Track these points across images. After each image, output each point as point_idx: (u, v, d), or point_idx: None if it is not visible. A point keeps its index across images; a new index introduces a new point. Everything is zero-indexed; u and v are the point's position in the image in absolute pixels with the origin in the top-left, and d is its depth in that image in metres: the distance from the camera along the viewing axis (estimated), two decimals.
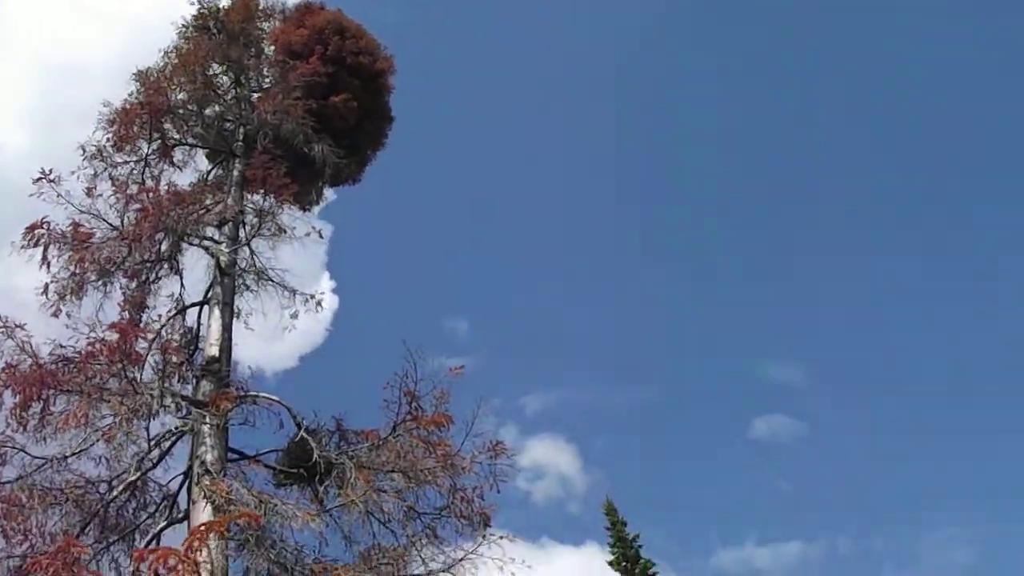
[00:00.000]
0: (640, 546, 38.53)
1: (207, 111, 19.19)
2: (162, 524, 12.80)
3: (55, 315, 14.35)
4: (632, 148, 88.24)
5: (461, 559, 12.32)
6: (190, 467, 12.47)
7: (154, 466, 12.92)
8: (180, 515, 12.78)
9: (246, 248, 16.66)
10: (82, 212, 15.22)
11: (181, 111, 18.52)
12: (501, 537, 12.34)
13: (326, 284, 36.99)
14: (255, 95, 20.15)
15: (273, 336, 17.43)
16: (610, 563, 38.25)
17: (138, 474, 12.61)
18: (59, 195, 15.16)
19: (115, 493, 12.62)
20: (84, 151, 17.12)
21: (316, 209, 21.28)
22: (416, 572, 12.30)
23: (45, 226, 14.54)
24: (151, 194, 15.53)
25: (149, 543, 12.33)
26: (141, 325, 14.13)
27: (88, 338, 12.58)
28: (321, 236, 17.42)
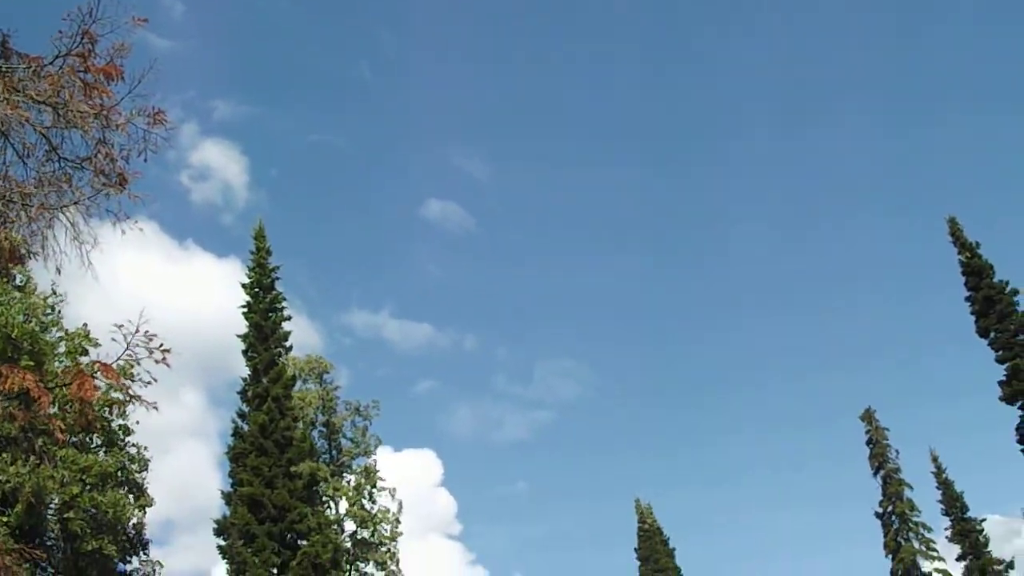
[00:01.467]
0: (278, 278, 38.25)
1: None
2: None
3: None
4: None
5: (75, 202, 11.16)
6: None
7: None
8: None
9: None
10: None
11: None
12: (140, 227, 11.37)
13: None
14: None
15: None
16: (244, 285, 37.82)
17: None
18: None
19: None
20: None
21: None
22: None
23: None
24: None
25: None
26: None
27: None
28: None
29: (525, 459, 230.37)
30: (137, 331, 11.48)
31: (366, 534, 45.29)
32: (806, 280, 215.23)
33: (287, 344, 37.38)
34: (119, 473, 33.64)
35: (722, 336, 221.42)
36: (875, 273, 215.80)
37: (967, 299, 51.66)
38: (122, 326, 11.53)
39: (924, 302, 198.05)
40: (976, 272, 51.50)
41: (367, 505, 45.49)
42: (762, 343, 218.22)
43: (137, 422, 35.67)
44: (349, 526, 45.08)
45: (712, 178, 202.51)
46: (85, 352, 29.72)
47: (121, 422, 35.03)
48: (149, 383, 12.34)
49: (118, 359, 11.56)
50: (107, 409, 33.75)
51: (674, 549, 69.10)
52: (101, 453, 33.53)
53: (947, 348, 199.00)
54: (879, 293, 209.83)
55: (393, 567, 45.03)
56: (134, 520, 33.14)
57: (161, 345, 11.46)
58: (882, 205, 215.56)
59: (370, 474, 45.97)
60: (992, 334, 50.34)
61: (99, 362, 12.03)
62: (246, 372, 35.99)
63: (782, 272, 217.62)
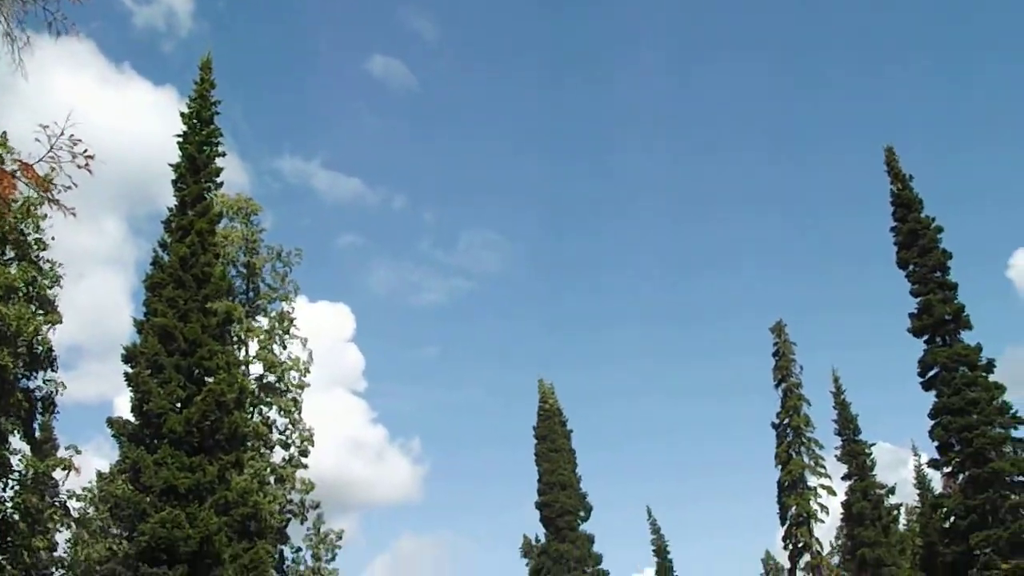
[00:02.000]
0: (218, 113, 37.42)
1: None
2: None
3: None
4: None
5: None
6: None
7: None
8: None
9: None
10: None
11: None
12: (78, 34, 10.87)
13: None
14: None
15: None
16: (183, 115, 36.98)
17: None
18: None
19: None
20: None
21: None
22: None
23: None
24: None
25: None
26: None
27: None
28: None
29: (439, 325, 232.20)
30: (62, 134, 11.12)
31: (273, 379, 45.47)
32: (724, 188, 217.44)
33: (218, 180, 36.67)
34: (29, 288, 33.15)
35: (642, 232, 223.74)
36: (819, 196, 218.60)
37: (892, 230, 52.54)
38: (47, 127, 11.15)
39: (858, 226, 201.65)
40: (905, 204, 52.26)
41: (277, 351, 45.58)
42: (672, 243, 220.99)
43: (53, 238, 35.02)
44: (257, 369, 45.22)
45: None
46: (1, 161, 28.86)
47: (37, 236, 34.38)
48: (69, 188, 11.97)
49: (40, 160, 11.21)
50: (23, 222, 33.10)
51: (571, 431, 70.69)
52: (12, 268, 32.94)
53: (868, 273, 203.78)
54: (822, 215, 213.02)
55: (296, 414, 45.41)
56: (40, 335, 32.80)
57: (85, 151, 11.12)
58: (826, 130, 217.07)
59: (284, 320, 45.94)
60: (911, 267, 51.39)
61: (20, 161, 11.66)
62: (173, 203, 35.33)
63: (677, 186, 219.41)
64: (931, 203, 51.98)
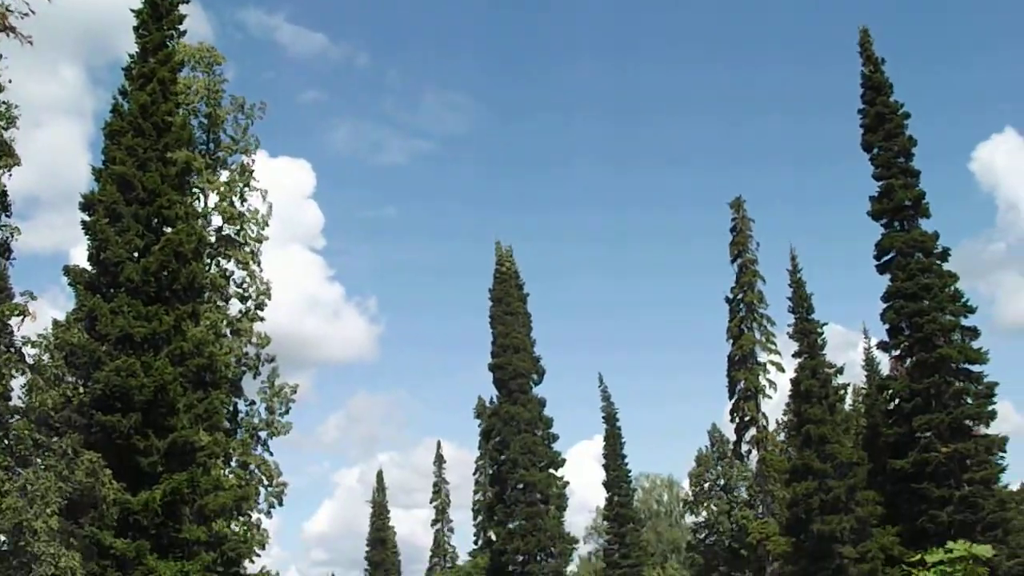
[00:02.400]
0: None
1: None
2: None
3: None
4: None
5: None
6: None
7: None
8: None
9: None
10: None
11: None
12: None
13: None
14: None
15: None
16: None
17: None
18: None
19: None
20: None
21: None
22: None
23: None
24: None
25: None
26: None
27: None
28: None
29: (400, 186, 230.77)
30: None
31: (232, 231, 44.90)
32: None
33: (181, 28, 35.37)
34: None
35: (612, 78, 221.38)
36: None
37: (860, 111, 52.30)
38: None
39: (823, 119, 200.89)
40: (875, 87, 51.89)
41: (237, 203, 44.87)
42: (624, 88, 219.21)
43: (10, 81, 33.72)
44: (216, 221, 44.58)
45: None
46: None
47: None
48: (27, 15, 11.27)
49: None
50: None
51: (527, 295, 70.96)
52: None
53: (836, 158, 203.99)
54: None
55: (255, 267, 45.05)
56: None
57: None
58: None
59: (244, 172, 45.10)
60: (875, 150, 51.38)
61: None
62: (134, 50, 34.08)
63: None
64: (900, 93, 51.55)
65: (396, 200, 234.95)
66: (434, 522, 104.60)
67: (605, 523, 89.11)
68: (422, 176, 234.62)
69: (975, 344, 47.25)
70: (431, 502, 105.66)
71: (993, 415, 46.50)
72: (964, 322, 47.87)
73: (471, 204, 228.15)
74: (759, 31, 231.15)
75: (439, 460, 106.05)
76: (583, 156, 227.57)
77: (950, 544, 9.20)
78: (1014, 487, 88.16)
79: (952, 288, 47.96)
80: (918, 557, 9.17)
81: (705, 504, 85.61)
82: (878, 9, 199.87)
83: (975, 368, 47.06)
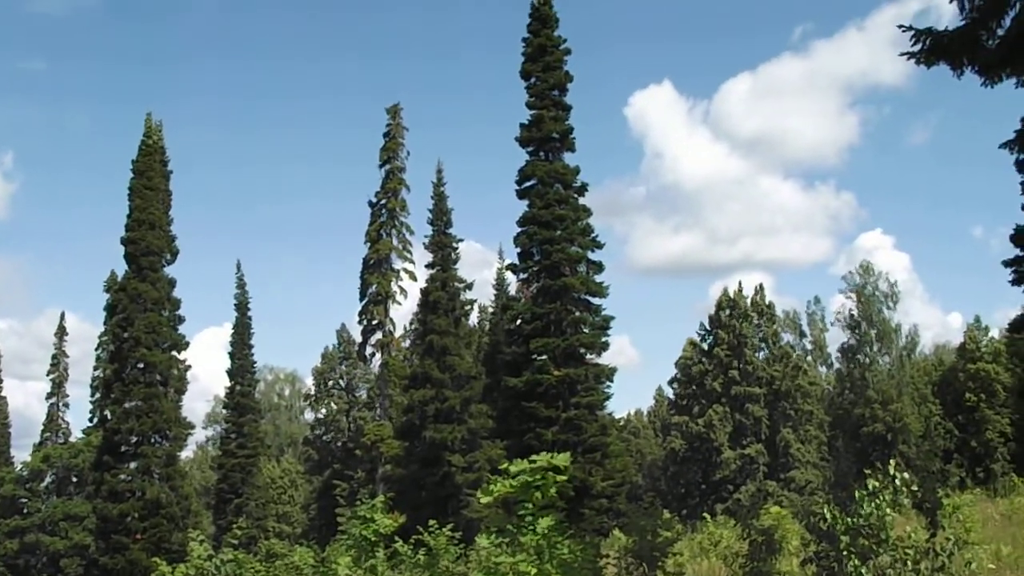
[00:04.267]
0: None
1: None
2: None
3: None
4: None
5: None
6: None
7: None
8: None
9: None
10: None
11: None
12: None
13: None
14: None
15: None
16: None
17: None
18: None
19: None
20: None
21: None
22: None
23: None
24: None
25: None
26: None
27: None
28: None
29: (49, 37, 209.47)
30: None
31: None
32: None
33: None
34: None
35: None
36: None
37: (524, 40, 53.22)
38: None
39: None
40: (542, 19, 52.79)
41: None
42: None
43: None
44: None
45: None
46: None
47: None
48: None
49: None
50: None
51: (171, 172, 67.27)
52: None
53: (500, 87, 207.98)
54: None
55: None
56: None
57: None
58: None
59: None
60: (532, 79, 52.58)
61: None
62: None
63: None
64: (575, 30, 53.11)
65: (45, 51, 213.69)
66: (49, 396, 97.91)
67: (225, 411, 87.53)
68: (77, 30, 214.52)
69: (598, 278, 50.21)
70: (48, 375, 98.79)
71: (606, 346, 49.85)
72: (591, 256, 50.61)
73: (127, 67, 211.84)
74: None
75: (61, 332, 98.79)
76: (262, 47, 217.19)
77: (533, 456, 9.84)
78: (619, 415, 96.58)
79: (585, 222, 50.44)
80: (505, 466, 9.74)
81: (326, 402, 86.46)
82: None
83: (595, 300, 50.02)
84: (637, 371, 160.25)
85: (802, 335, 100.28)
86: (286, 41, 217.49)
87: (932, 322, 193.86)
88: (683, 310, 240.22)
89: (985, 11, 14.29)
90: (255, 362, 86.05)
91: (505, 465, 10.12)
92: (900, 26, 15.00)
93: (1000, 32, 14.34)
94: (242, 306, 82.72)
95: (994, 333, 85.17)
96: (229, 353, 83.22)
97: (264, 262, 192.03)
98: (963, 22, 14.63)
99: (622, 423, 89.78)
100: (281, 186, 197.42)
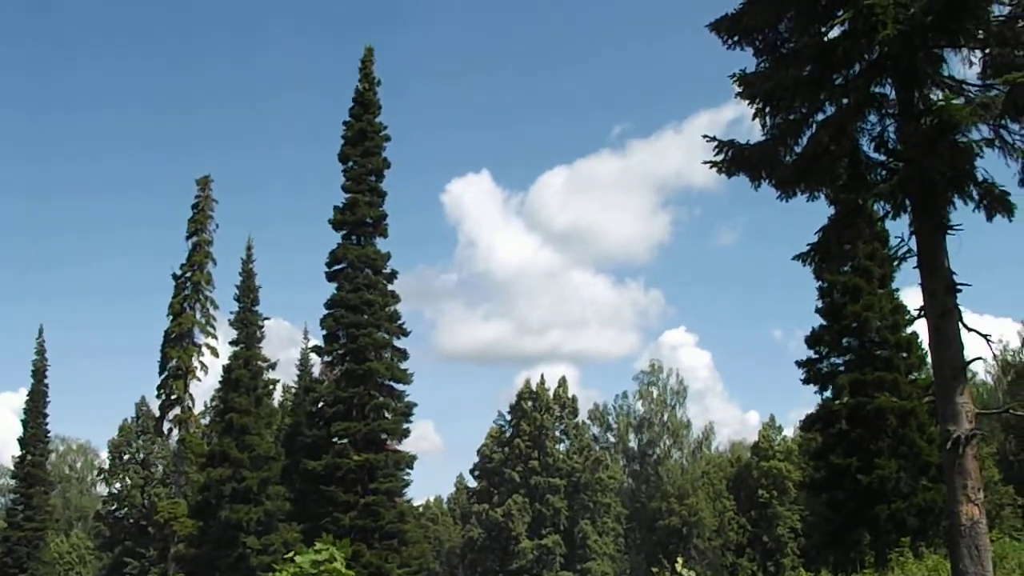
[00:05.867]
0: None
1: None
2: None
3: None
4: None
5: None
6: None
7: None
8: None
9: None
10: None
11: None
12: None
13: None
14: None
15: None
16: None
17: None
18: None
19: None
20: None
21: None
22: None
23: None
24: None
25: None
26: None
27: None
28: None
29: None
30: None
31: None
32: None
33: None
34: None
35: None
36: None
37: (345, 123, 53.82)
38: None
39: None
40: (365, 104, 53.68)
41: None
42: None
43: None
44: None
45: None
46: None
47: None
48: None
49: None
50: None
51: None
52: None
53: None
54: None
55: None
56: None
57: None
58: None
59: None
60: (350, 163, 53.20)
61: None
62: None
63: None
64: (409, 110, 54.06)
65: None
66: None
67: (14, 481, 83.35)
68: None
69: (403, 365, 50.73)
70: None
71: (407, 432, 50.29)
72: (397, 343, 51.16)
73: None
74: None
75: None
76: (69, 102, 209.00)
77: (319, 544, 10.21)
78: (419, 501, 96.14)
79: (393, 308, 51.06)
80: (291, 554, 9.98)
81: (121, 476, 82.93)
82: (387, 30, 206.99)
83: (399, 386, 50.51)
84: (440, 457, 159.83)
85: (608, 428, 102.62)
86: (96, 95, 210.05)
87: (730, 419, 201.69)
88: (489, 398, 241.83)
89: (784, 130, 15.37)
90: (49, 431, 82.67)
91: (291, 554, 10.36)
92: (704, 136, 15.60)
93: (797, 150, 15.41)
94: (39, 372, 79.52)
95: (788, 432, 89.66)
96: (22, 420, 79.65)
97: (63, 329, 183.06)
98: (764, 137, 15.63)
99: (421, 509, 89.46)
100: (85, 250, 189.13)
